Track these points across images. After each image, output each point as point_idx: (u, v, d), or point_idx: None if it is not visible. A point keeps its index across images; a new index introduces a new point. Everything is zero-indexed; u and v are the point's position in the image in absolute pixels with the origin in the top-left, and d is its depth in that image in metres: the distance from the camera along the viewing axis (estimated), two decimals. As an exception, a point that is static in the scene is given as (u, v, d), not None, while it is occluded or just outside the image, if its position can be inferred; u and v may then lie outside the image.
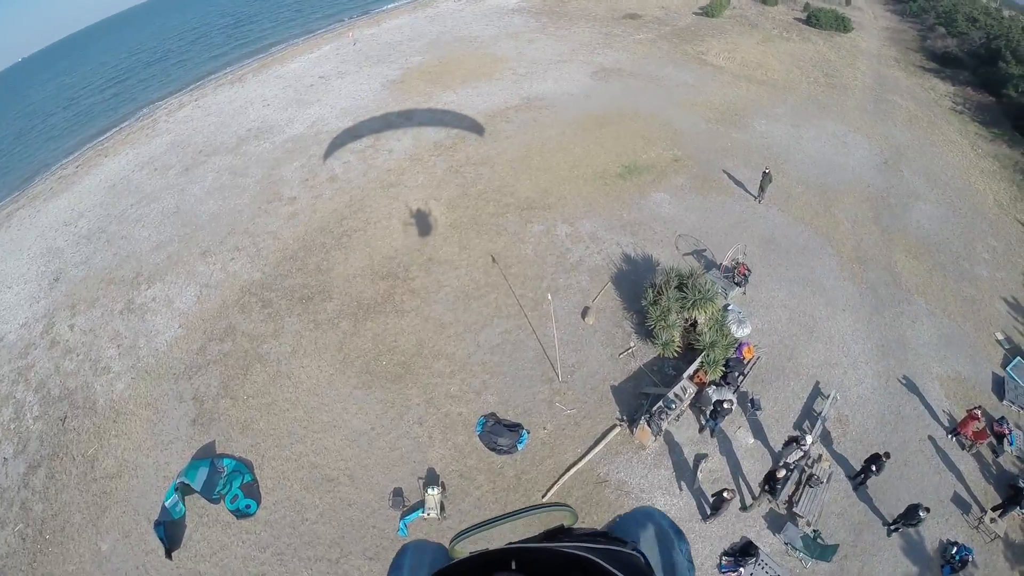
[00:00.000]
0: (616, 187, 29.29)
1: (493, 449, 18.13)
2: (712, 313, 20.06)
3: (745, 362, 20.01)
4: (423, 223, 26.65)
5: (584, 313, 22.36)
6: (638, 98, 38.44)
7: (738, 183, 30.00)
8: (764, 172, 27.55)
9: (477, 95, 38.56)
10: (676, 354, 20.33)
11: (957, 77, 49.21)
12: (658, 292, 20.69)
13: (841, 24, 56.27)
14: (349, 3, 78.85)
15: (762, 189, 27.86)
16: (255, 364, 21.56)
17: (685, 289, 20.21)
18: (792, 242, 26.39)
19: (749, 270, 23.38)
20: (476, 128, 32.68)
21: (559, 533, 1.52)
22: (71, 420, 20.46)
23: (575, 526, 1.57)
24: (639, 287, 22.27)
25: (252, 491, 17.49)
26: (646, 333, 20.98)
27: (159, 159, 38.21)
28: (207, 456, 18.39)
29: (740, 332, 20.77)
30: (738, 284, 23.14)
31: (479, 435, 18.47)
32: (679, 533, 1.80)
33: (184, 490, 17.22)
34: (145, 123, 47.65)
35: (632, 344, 21.35)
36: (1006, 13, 63.51)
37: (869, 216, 28.97)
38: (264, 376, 21.08)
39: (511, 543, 1.37)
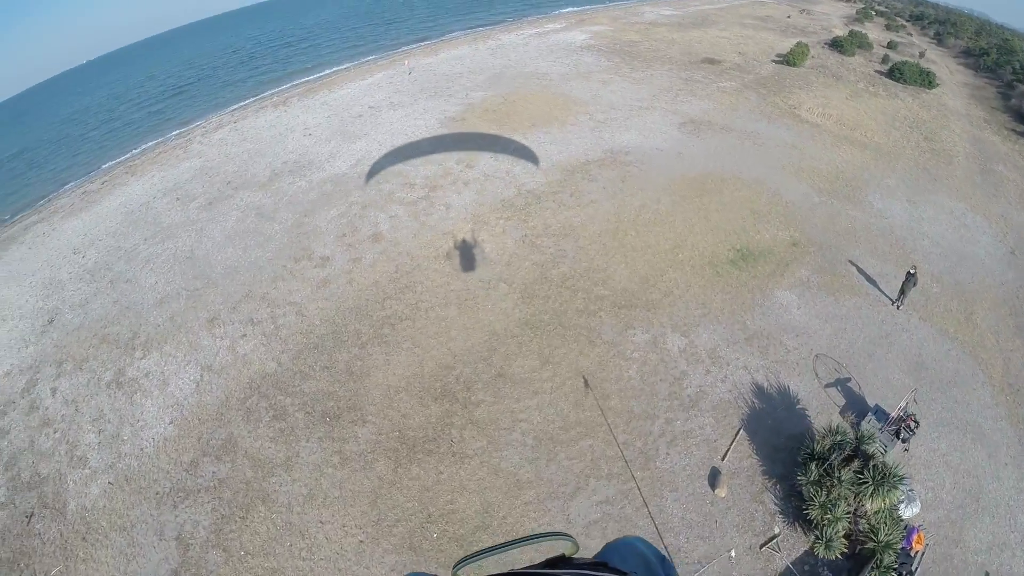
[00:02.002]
0: (731, 279, 22.50)
1: None
2: (892, 501, 13.98)
3: (913, 556, 14.09)
4: (491, 316, 19.96)
5: (712, 479, 15.47)
6: (737, 159, 31.84)
7: (870, 279, 23.37)
8: (909, 273, 21.27)
9: (551, 142, 32.14)
10: (840, 556, 13.88)
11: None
12: (825, 470, 14.27)
13: (926, 79, 50.71)
14: (406, 30, 74.13)
15: (903, 292, 21.71)
16: (258, 504, 15.39)
17: (863, 471, 14.08)
18: (942, 367, 19.65)
19: (917, 422, 16.93)
20: (552, 190, 26.04)
21: (560, 562, 1.53)
22: (37, 520, 15.93)
23: (576, 556, 1.56)
24: (778, 436, 16.43)
25: None
26: (794, 513, 14.78)
27: (184, 187, 32.77)
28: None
29: (908, 512, 14.84)
30: (903, 440, 16.68)
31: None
32: (666, 562, 1.78)
33: None
34: (179, 142, 42.81)
35: (778, 530, 14.68)
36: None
37: (1011, 326, 22.37)
38: (269, 526, 14.94)
39: (514, 570, 1.42)
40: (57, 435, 18.22)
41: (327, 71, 55.59)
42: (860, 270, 23.88)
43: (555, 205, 26.06)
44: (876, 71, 54.59)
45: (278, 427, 17.13)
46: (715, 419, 17.14)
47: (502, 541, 1.45)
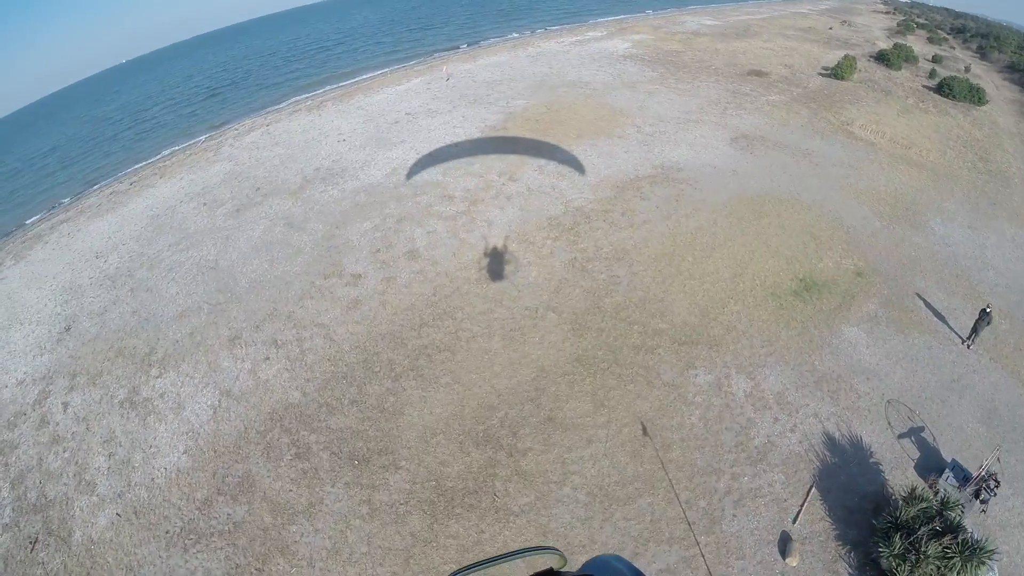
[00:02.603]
0: (796, 313, 20.36)
1: None
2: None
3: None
4: (539, 350, 17.98)
5: (783, 545, 13.38)
6: (793, 178, 29.64)
7: (938, 315, 21.13)
8: (984, 311, 19.27)
9: (598, 155, 30.17)
10: (926, 636, 11.98)
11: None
12: (911, 543, 12.41)
13: (976, 96, 48.13)
14: (444, 36, 72.66)
15: (975, 331, 19.63)
16: (276, 556, 13.78)
17: (951, 545, 12.30)
18: (1016, 415, 17.52)
19: (998, 482, 14.96)
20: (602, 208, 24.00)
21: (548, 575, 1.53)
22: (41, 547, 14.59)
23: (563, 569, 1.56)
24: (851, 495, 14.55)
25: None
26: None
27: (212, 192, 31.35)
28: None
29: (987, 581, 12.81)
30: (982, 501, 14.81)
31: None
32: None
33: None
34: (210, 144, 41.53)
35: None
36: None
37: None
38: (286, 584, 12.87)
39: None
40: (66, 455, 16.85)
41: (363, 76, 54.15)
42: (928, 304, 21.70)
43: (606, 225, 24.05)
44: (924, 86, 52.31)
45: (301, 467, 15.34)
46: (785, 475, 15.03)
47: (490, 556, 1.43)
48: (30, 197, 41.98)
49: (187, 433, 16.93)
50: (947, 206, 29.59)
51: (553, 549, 1.54)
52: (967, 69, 61.68)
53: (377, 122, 37.24)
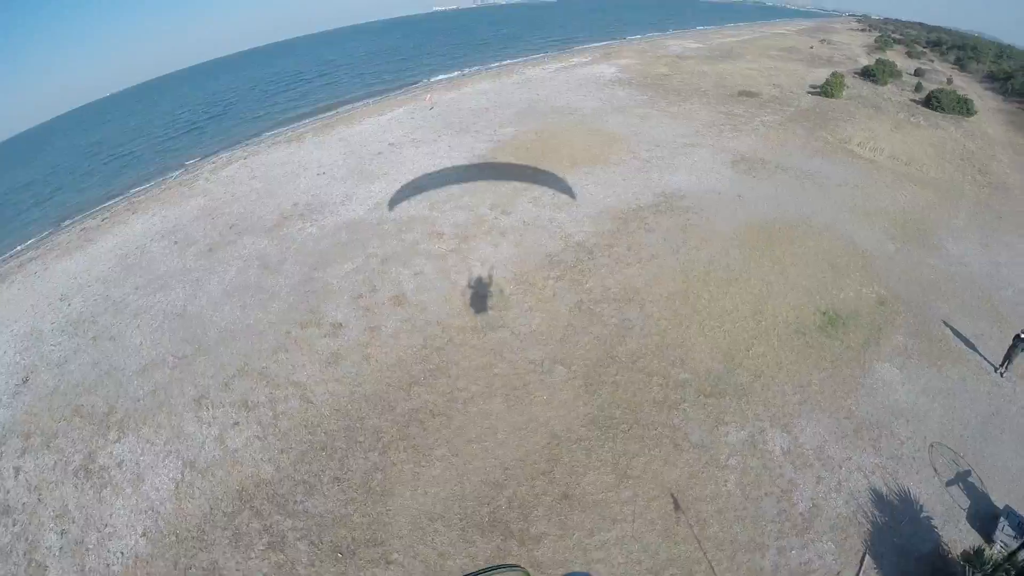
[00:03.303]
0: (825, 351, 18.40)
1: None
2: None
3: None
4: (548, 412, 15.67)
5: (845, 634, 11.19)
6: (800, 201, 27.94)
7: (967, 343, 19.24)
8: (1018, 337, 17.66)
9: (594, 183, 28.18)
10: None
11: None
12: None
13: (964, 107, 48.06)
14: (425, 66, 71.11)
15: (1009, 359, 18.04)
16: None
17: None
18: None
19: None
20: (605, 242, 21.90)
21: None
22: None
23: None
24: (907, 559, 12.54)
25: None
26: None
27: (184, 229, 29.11)
28: None
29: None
30: None
31: None
32: None
33: None
34: (186, 178, 39.10)
35: None
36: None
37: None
38: None
39: None
40: (16, 528, 14.49)
41: (344, 108, 52.08)
42: (955, 332, 19.83)
43: (611, 261, 21.94)
44: (912, 100, 51.96)
45: (275, 560, 12.86)
46: (835, 543, 12.79)
47: None
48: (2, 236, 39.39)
49: (146, 511, 14.42)
50: (956, 223, 28.13)
51: (517, 567, 1.47)
52: (949, 81, 62.45)
53: (359, 153, 35.17)
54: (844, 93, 51.20)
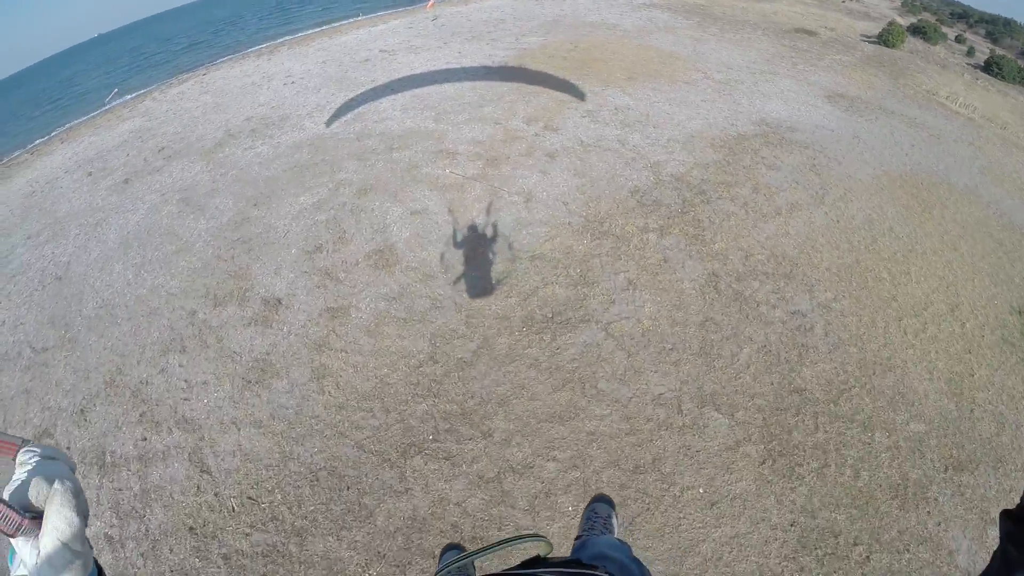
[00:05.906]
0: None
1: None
2: None
3: None
4: (718, 527, 6.84)
5: None
6: (925, 154, 19.28)
7: None
8: None
9: (668, 102, 18.96)
10: None
11: None
12: None
13: None
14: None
15: None
16: None
17: None
18: None
19: None
20: (718, 178, 12.72)
21: (536, 563, 1.47)
22: None
23: (550, 555, 1.49)
24: None
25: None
26: None
27: (105, 156, 20.05)
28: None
29: None
30: None
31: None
32: (640, 564, 1.75)
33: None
34: (134, 102, 29.46)
35: None
36: None
37: None
38: None
39: (490, 575, 1.39)
40: None
41: (332, 26, 41.92)
42: None
43: (738, 209, 12.83)
44: (968, 64, 43.18)
45: None
46: None
47: (478, 547, 1.35)
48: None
49: None
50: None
51: (539, 536, 1.40)
52: (992, 52, 53.66)
53: (341, 61, 25.52)
54: (903, 46, 42.49)
